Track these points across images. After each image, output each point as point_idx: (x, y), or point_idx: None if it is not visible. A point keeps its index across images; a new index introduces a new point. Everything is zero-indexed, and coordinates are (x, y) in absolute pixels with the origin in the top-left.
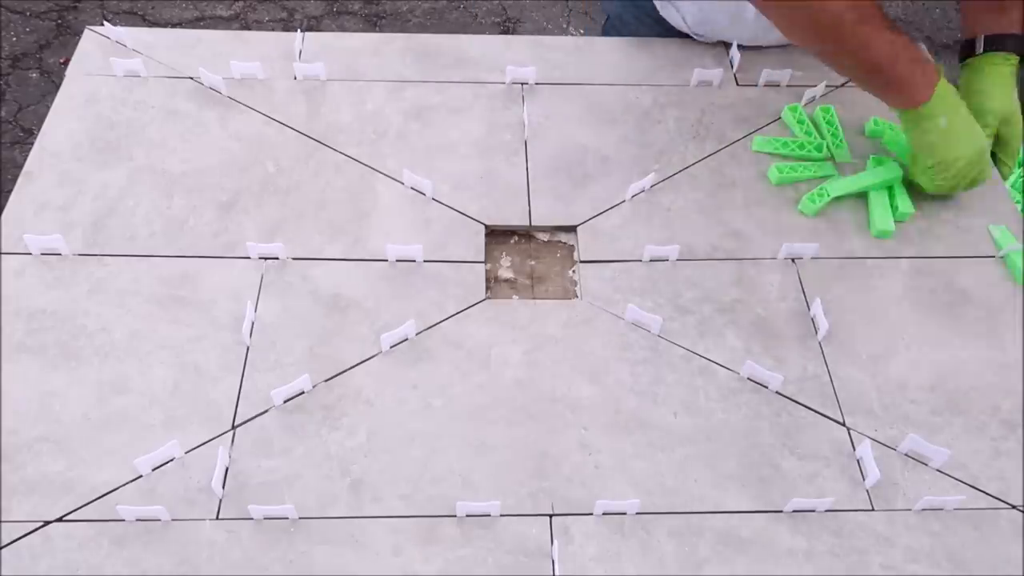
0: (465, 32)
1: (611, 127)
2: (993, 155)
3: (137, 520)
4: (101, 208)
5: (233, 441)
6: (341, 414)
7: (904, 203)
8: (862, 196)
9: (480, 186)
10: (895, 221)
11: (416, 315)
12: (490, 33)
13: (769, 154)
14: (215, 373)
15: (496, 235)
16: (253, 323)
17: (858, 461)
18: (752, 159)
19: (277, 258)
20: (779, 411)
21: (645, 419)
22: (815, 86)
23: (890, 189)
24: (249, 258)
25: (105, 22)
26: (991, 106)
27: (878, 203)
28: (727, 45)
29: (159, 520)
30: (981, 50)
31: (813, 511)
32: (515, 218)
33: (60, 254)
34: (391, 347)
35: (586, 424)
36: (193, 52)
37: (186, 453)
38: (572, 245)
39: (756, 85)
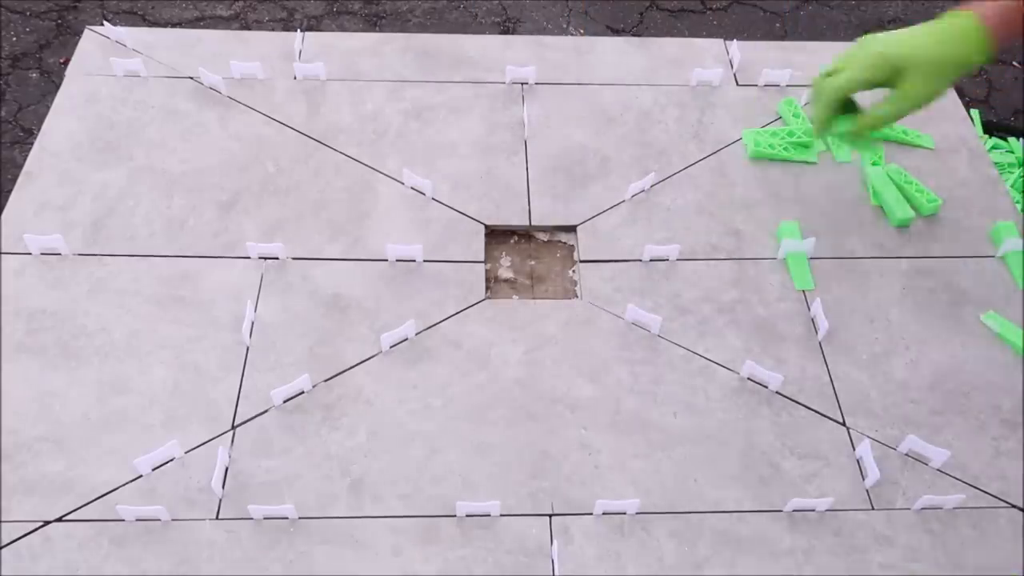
0: (465, 32)
1: (611, 127)
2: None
3: (137, 520)
4: (101, 208)
5: (233, 441)
6: (341, 414)
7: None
8: (862, 196)
9: (480, 186)
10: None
11: (416, 315)
12: (490, 33)
13: (764, 154)
14: (215, 373)
15: (496, 235)
16: (253, 323)
17: (858, 461)
18: (752, 159)
19: (277, 258)
20: (779, 411)
21: (645, 419)
22: None
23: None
24: (249, 258)
25: (105, 22)
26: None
27: (889, 194)
28: (727, 45)
29: (159, 520)
30: None
31: (813, 511)
32: (515, 218)
33: (60, 254)
34: (391, 347)
35: (586, 424)
36: (193, 52)
37: (186, 453)
38: (572, 245)
39: (756, 85)
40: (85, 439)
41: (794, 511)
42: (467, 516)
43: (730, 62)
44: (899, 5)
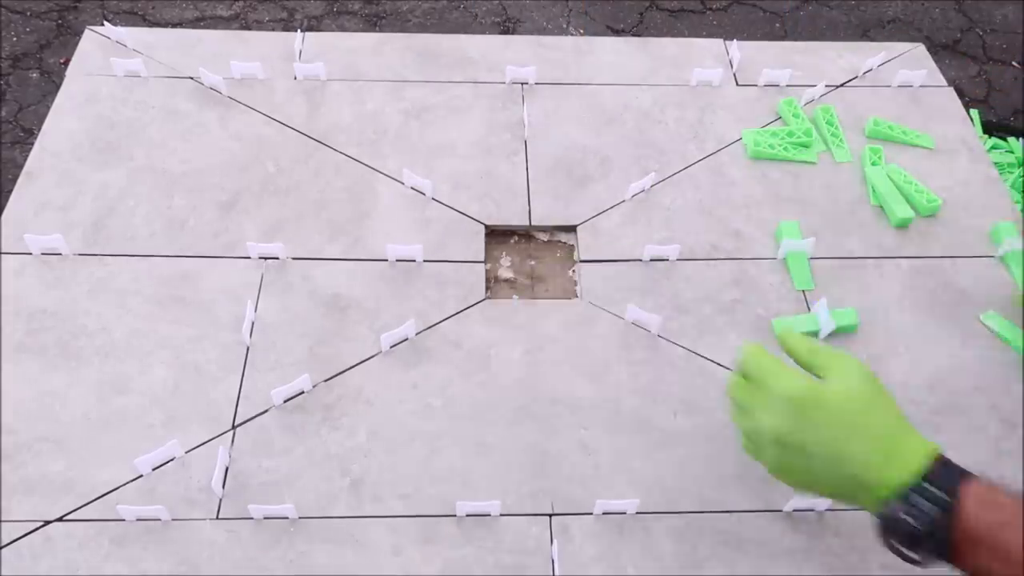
0: (465, 32)
1: (611, 127)
2: None
3: (137, 520)
4: (101, 208)
5: (233, 441)
6: (341, 414)
7: (903, 209)
8: (862, 196)
9: (480, 186)
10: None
11: (416, 315)
12: (490, 33)
13: (764, 154)
14: (215, 373)
15: (496, 235)
16: (253, 323)
17: None
18: (752, 159)
19: (277, 258)
20: None
21: (645, 419)
22: (815, 86)
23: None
24: (249, 258)
25: (105, 22)
26: None
27: (890, 194)
28: (727, 45)
29: (159, 520)
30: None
31: (813, 511)
32: (515, 218)
33: (60, 254)
34: (391, 347)
35: (586, 424)
36: (193, 52)
37: (186, 453)
38: (572, 245)
39: (756, 85)
40: (85, 439)
41: (794, 511)
42: (467, 516)
43: (730, 62)
44: (899, 5)
